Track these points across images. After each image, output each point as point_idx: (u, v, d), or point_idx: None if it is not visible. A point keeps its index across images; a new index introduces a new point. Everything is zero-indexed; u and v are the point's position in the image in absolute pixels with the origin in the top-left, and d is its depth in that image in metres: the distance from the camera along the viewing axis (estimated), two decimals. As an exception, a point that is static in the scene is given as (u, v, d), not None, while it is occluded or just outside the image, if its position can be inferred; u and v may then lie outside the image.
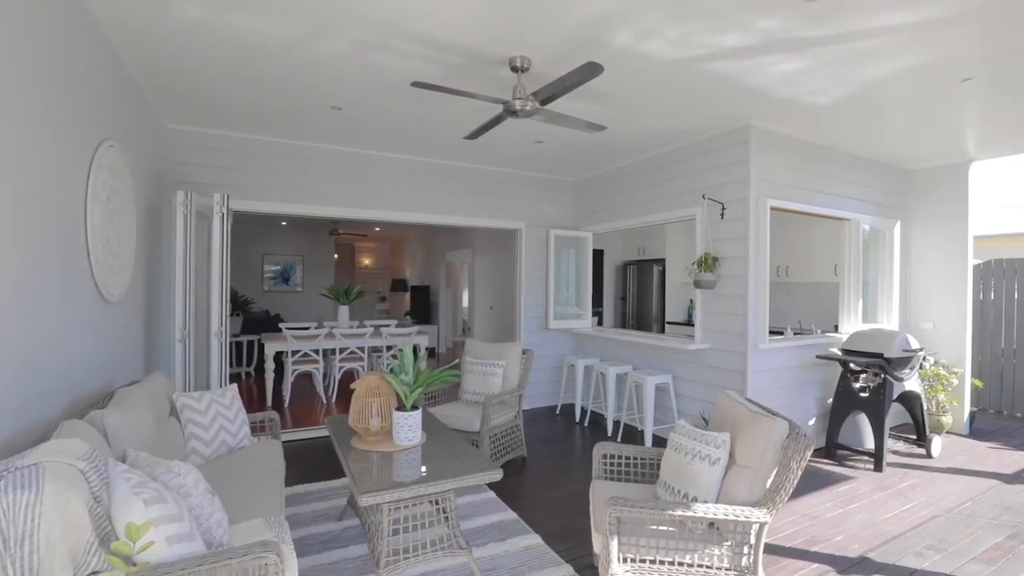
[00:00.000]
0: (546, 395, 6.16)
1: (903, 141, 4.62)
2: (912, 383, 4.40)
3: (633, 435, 4.88)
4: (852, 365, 4.28)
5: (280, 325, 7.09)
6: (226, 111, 4.06)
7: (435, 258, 11.43)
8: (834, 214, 4.74)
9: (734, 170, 4.26)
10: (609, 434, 4.99)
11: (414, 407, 2.76)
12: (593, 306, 8.80)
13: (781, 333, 5.08)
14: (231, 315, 8.22)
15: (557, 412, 5.90)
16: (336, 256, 13.49)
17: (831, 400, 4.67)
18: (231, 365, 8.24)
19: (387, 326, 7.45)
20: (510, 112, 3.03)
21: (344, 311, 6.88)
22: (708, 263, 4.22)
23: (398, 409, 2.72)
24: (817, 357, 4.32)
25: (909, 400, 4.47)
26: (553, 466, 4.21)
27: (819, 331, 5.04)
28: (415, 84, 2.68)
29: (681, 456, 2.21)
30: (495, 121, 3.26)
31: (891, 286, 5.31)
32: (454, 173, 5.70)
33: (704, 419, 4.36)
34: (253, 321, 9.32)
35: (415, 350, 3.18)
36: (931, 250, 5.46)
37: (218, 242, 3.89)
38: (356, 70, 3.25)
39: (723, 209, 4.33)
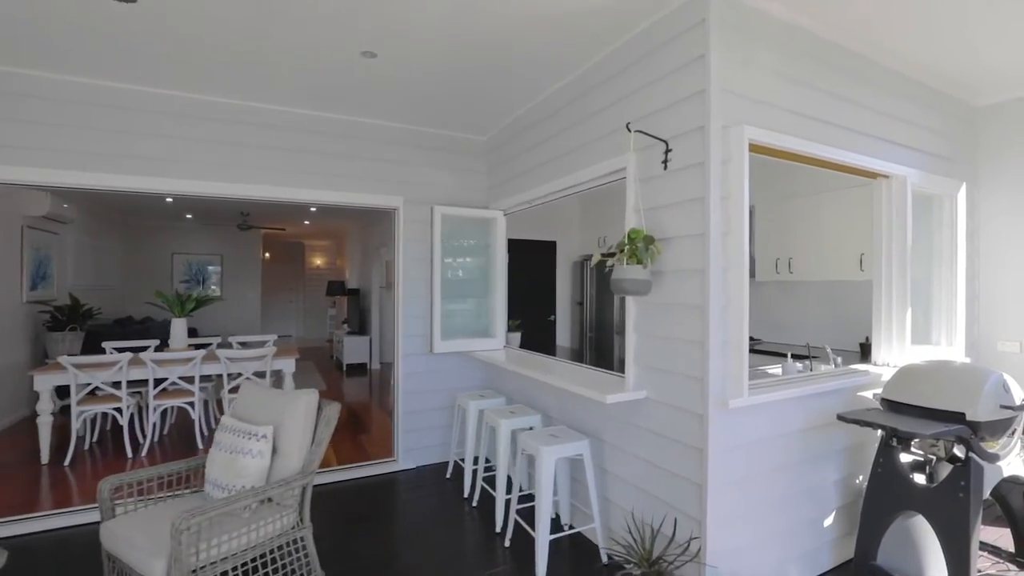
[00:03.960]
0: (437, 448, 4.26)
1: (978, 44, 2.68)
2: (1014, 461, 2.46)
3: (527, 542, 2.95)
4: (901, 431, 2.34)
5: (105, 345, 5.31)
6: None
7: (371, 255, 9.58)
8: (866, 165, 2.80)
9: (683, 80, 2.34)
10: (498, 527, 3.09)
11: None
12: (543, 315, 6.91)
13: (781, 356, 3.16)
14: (67, 330, 6.42)
15: (448, 475, 4.00)
16: (267, 255, 11.71)
17: (862, 480, 2.74)
18: (60, 398, 6.42)
19: (247, 344, 5.62)
20: None
21: (179, 326, 5.03)
22: (637, 249, 2.30)
23: None
24: (839, 418, 2.37)
25: (1003, 487, 2.53)
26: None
27: (838, 360, 3.11)
28: None
29: None
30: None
31: (952, 285, 3.36)
32: (292, 125, 3.84)
33: (634, 535, 2.45)
34: (139, 336, 7.53)
35: None
36: (1013, 230, 3.50)
37: None
38: None
39: (667, 151, 2.41)
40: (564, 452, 2.68)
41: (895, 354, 2.97)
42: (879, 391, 2.63)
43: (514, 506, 2.93)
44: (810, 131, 2.55)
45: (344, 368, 8.77)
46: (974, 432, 2.22)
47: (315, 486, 3.86)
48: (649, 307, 2.53)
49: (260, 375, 4.92)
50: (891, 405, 2.49)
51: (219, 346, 5.78)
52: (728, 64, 2.26)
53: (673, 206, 2.38)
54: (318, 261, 14.05)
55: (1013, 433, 2.41)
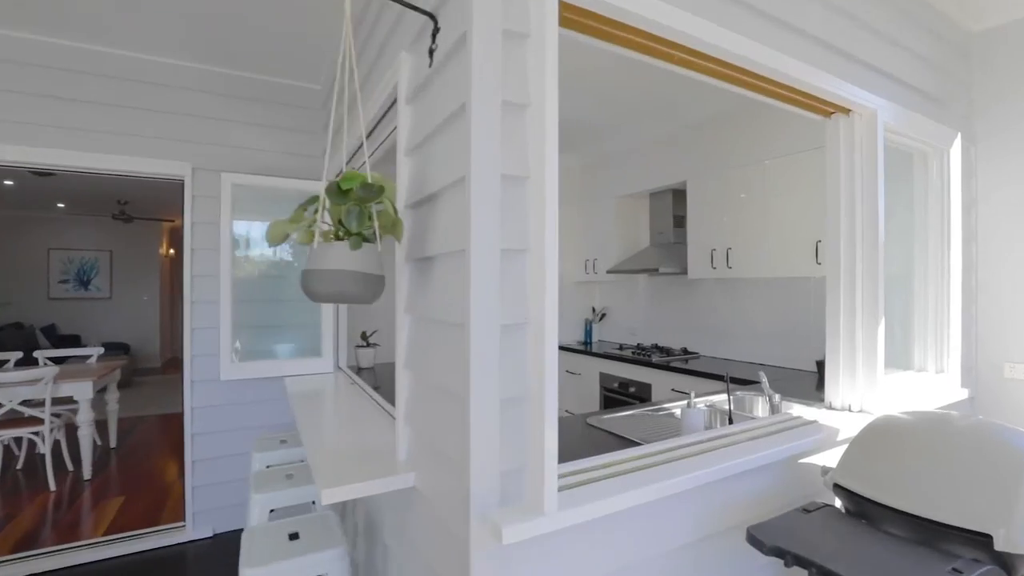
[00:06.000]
0: (240, 509, 3.09)
1: None
2: (1067, 603, 1.37)
3: None
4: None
5: None
6: None
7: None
8: (813, 83, 1.69)
9: None
10: (242, 674, 1.92)
11: None
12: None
13: (717, 379, 2.04)
14: None
15: (243, 556, 2.82)
16: (171, 252, 10.36)
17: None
18: None
19: (64, 359, 4.38)
20: None
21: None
22: (344, 210, 1.15)
23: None
24: (751, 541, 1.25)
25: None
26: None
27: (775, 397, 2.01)
28: None
29: None
30: None
31: (943, 282, 2.30)
32: (30, 58, 2.62)
33: None
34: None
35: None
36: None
37: None
38: None
39: (435, 32, 1.27)
40: (289, 572, 1.53)
41: (860, 392, 1.88)
42: (833, 462, 1.54)
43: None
44: (711, 8, 1.43)
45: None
46: (1007, 565, 1.13)
47: (52, 573, 2.69)
48: (419, 324, 1.40)
49: (38, 404, 3.68)
50: (852, 500, 1.38)
51: (17, 364, 4.51)
52: None
53: (437, 132, 1.24)
54: (246, 259, 12.68)
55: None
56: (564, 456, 1.34)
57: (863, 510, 1.34)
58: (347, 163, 2.54)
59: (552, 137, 1.07)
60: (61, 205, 8.06)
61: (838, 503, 1.48)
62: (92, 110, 2.79)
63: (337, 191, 1.14)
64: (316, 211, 1.14)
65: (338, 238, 1.14)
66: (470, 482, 1.03)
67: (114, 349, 8.58)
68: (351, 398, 2.44)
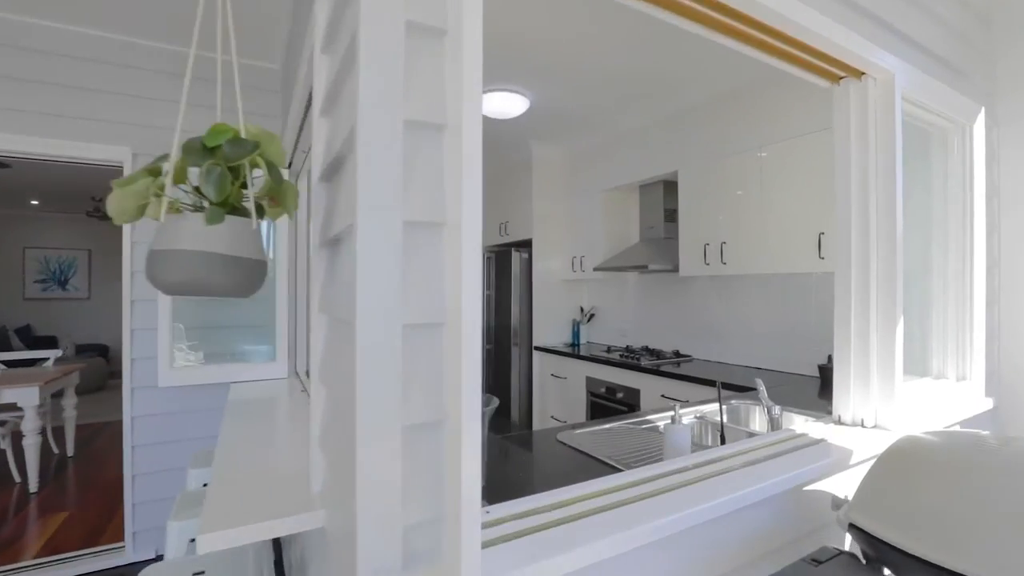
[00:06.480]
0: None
1: None
2: None
3: None
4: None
5: None
6: None
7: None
8: (820, 35, 1.41)
9: None
10: None
11: None
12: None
13: (698, 383, 1.76)
14: None
15: None
16: (153, 250, 10.06)
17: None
18: None
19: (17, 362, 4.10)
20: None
21: None
22: (207, 174, 0.86)
23: None
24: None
25: None
26: None
27: (775, 410, 1.74)
28: None
29: None
30: None
31: (966, 278, 2.02)
32: None
33: None
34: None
35: None
36: (1059, 187, 2.18)
37: None
38: None
39: (340, -49, 0.99)
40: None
41: (875, 404, 1.60)
42: (844, 489, 1.27)
43: None
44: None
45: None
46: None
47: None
48: (332, 325, 1.12)
49: (-23, 413, 3.39)
50: (871, 544, 1.10)
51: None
52: None
53: (341, 75, 0.97)
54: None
55: None
56: (522, 485, 1.07)
57: (886, 558, 1.06)
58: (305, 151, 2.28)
59: (474, 71, 0.79)
60: (35, 202, 7.78)
61: (848, 539, 1.21)
62: (20, 88, 2.51)
63: (201, 150, 0.86)
64: (166, 175, 0.86)
65: (199, 209, 0.86)
66: (356, 537, 0.75)
67: (92, 351, 8.32)
68: (296, 408, 2.16)
